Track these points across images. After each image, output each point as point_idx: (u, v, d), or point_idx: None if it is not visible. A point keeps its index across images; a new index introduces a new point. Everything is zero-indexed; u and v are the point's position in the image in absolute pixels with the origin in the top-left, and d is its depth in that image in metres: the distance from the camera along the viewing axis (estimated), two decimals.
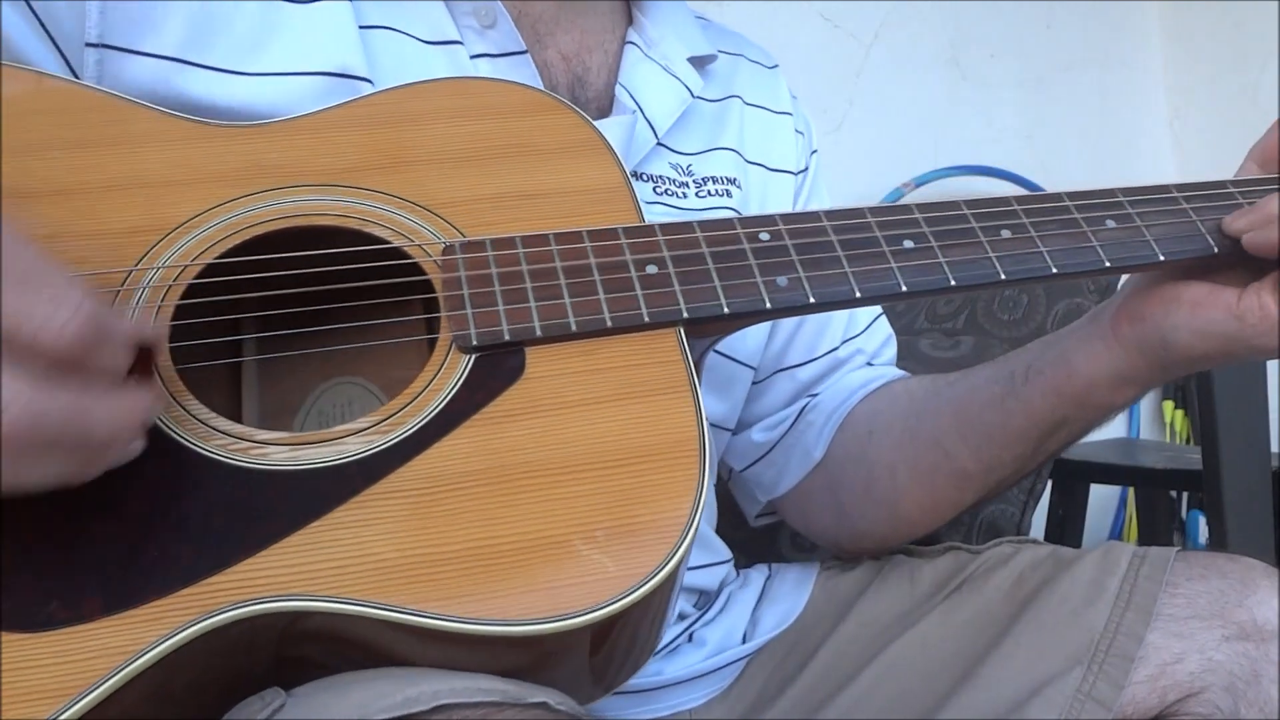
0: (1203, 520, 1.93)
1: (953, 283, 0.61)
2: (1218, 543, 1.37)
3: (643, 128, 0.77)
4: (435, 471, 0.51)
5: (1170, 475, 1.72)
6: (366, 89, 0.66)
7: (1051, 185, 2.06)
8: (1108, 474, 1.87)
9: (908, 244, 0.62)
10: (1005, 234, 0.63)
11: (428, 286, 0.58)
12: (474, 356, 0.55)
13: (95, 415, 0.44)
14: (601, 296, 0.57)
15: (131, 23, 0.64)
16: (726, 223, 0.61)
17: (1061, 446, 0.77)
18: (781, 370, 0.88)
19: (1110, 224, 0.64)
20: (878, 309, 0.93)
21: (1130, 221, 0.64)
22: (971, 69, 2.09)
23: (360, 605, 0.46)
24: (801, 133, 0.91)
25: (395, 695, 0.44)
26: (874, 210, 0.63)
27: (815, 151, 0.93)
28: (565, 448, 0.52)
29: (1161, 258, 0.64)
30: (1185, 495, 2.06)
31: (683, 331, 0.57)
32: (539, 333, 0.55)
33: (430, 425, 0.52)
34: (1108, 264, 0.63)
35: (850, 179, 1.88)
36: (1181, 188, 0.67)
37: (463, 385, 0.54)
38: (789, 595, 0.87)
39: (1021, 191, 2.05)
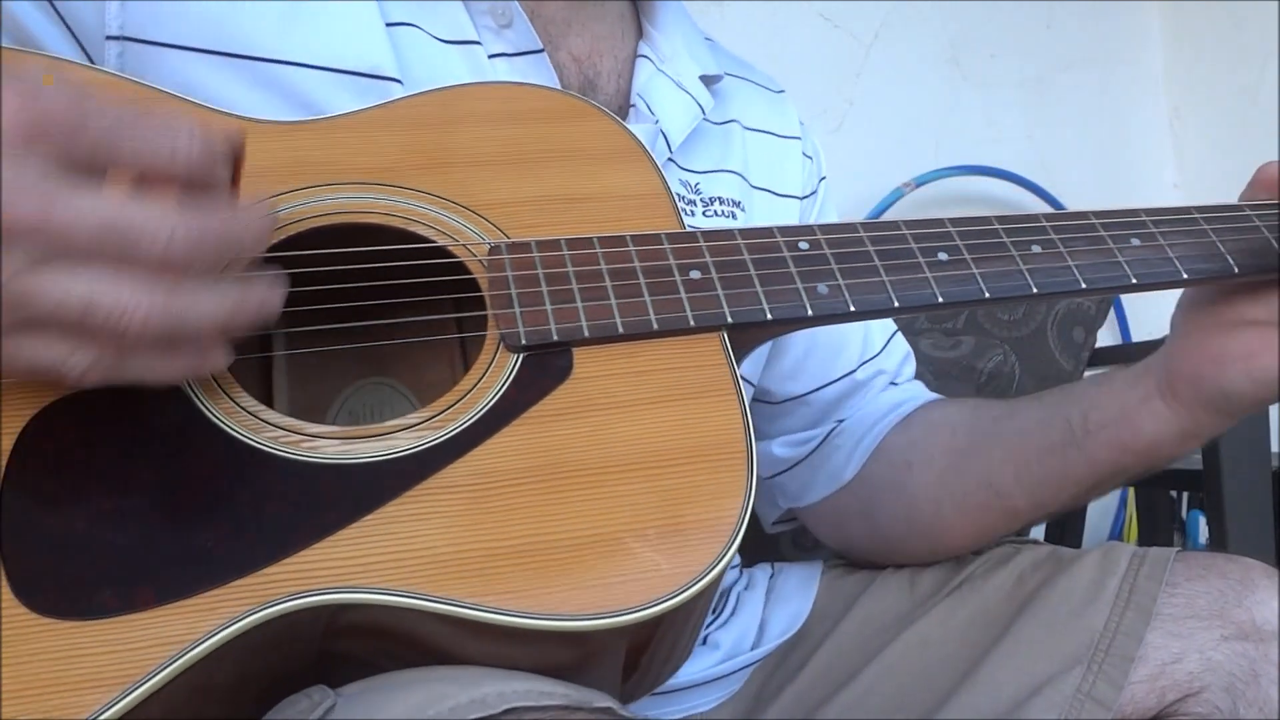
0: (1203, 520, 1.93)
1: (987, 295, 0.62)
2: (1218, 543, 1.37)
3: (660, 140, 0.77)
4: (488, 467, 0.51)
5: (1170, 475, 1.72)
6: (396, 89, 0.66)
7: (1051, 185, 2.06)
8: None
9: (942, 256, 0.63)
10: (1036, 249, 0.64)
11: (460, 288, 0.58)
12: (522, 355, 0.55)
13: (240, 222, 0.45)
14: (647, 299, 0.57)
15: (153, 14, 0.63)
16: (766, 231, 0.62)
17: (1115, 487, 0.78)
18: (795, 399, 0.89)
19: (1135, 242, 0.65)
20: (891, 327, 0.93)
21: (1154, 240, 0.66)
22: (971, 69, 2.09)
23: (418, 598, 0.47)
24: (810, 157, 0.92)
25: (460, 696, 0.43)
26: (909, 223, 0.64)
27: (824, 178, 0.93)
28: (615, 447, 0.53)
29: (1185, 275, 0.65)
30: (1185, 495, 2.06)
31: (726, 336, 0.58)
32: (586, 333, 0.56)
33: (481, 422, 0.53)
34: (1134, 280, 0.64)
35: (850, 179, 1.88)
36: (1200, 209, 0.68)
37: (512, 383, 0.54)
38: (795, 596, 0.87)
39: (1021, 191, 2.05)
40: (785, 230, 0.62)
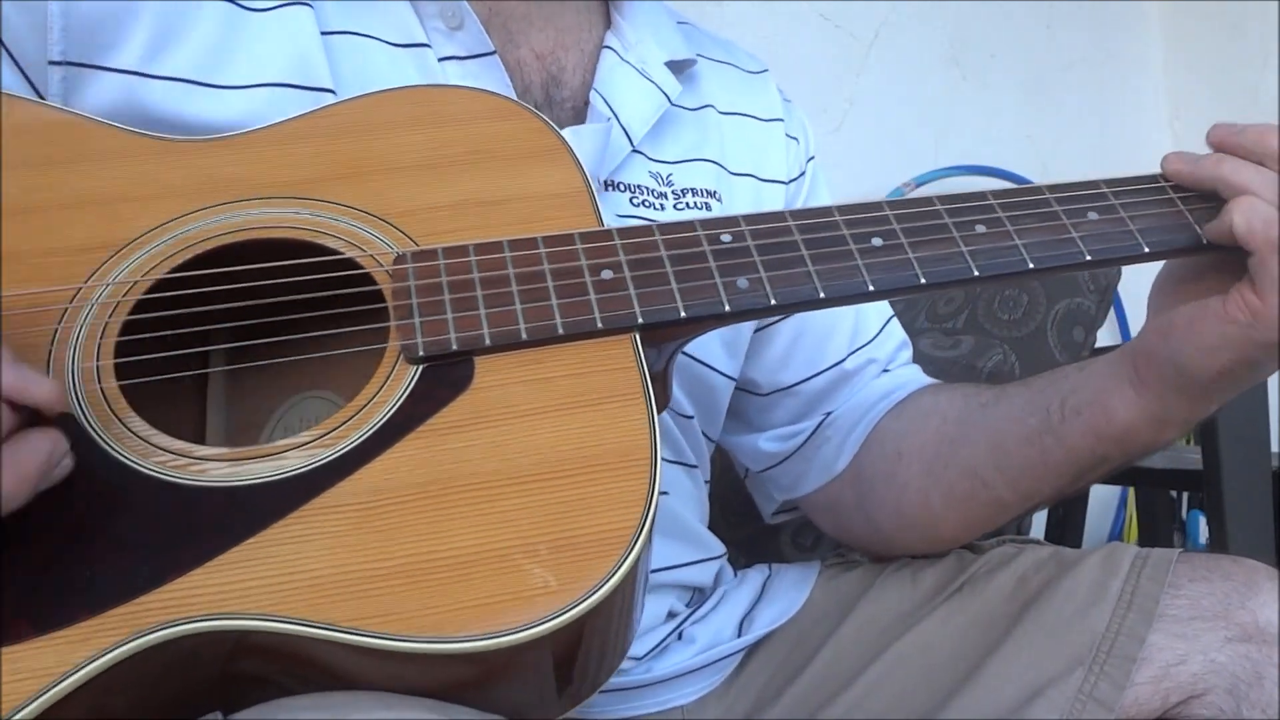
0: (1203, 520, 1.93)
1: (923, 280, 0.60)
2: (1218, 543, 1.36)
3: (618, 135, 0.76)
4: (377, 485, 0.50)
5: (1170, 475, 1.71)
6: (329, 99, 0.65)
7: None
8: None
9: (876, 241, 0.60)
10: (980, 229, 0.61)
11: (379, 298, 0.57)
12: (421, 367, 0.54)
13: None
14: (554, 303, 0.56)
15: (93, 38, 0.63)
16: (687, 225, 0.60)
17: (1104, 477, 0.76)
18: (782, 390, 0.88)
19: (1092, 215, 0.63)
20: (888, 312, 0.91)
21: (1114, 213, 0.63)
22: (971, 69, 2.09)
23: (293, 623, 0.45)
24: (795, 138, 0.90)
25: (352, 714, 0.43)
26: (842, 209, 0.62)
27: (813, 158, 0.91)
28: (511, 459, 0.51)
29: (1146, 249, 0.62)
30: (1185, 495, 2.06)
31: (638, 337, 0.56)
32: (488, 341, 0.54)
33: (374, 438, 0.51)
34: (1088, 257, 0.61)
35: (850, 179, 1.87)
36: (1167, 178, 0.65)
37: (408, 396, 0.53)
38: (788, 593, 0.87)
39: None
40: (707, 223, 0.61)
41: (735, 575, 0.91)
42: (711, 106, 0.84)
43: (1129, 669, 0.68)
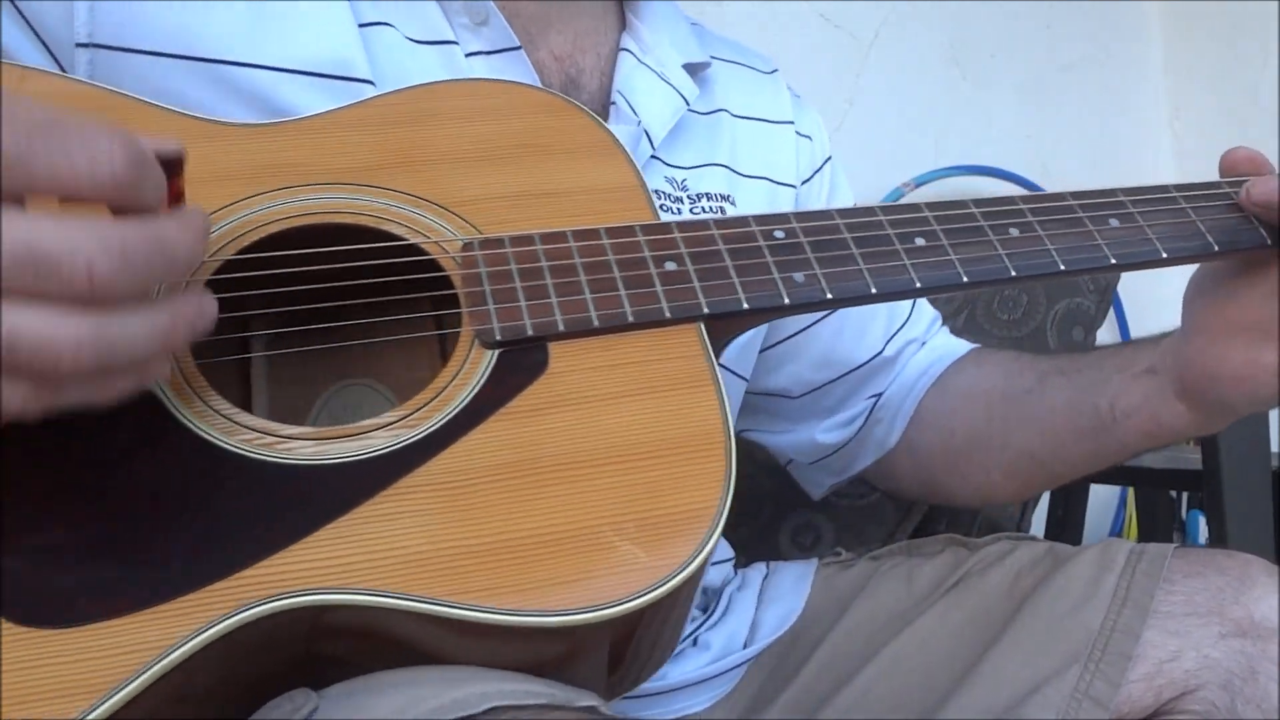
0: (1203, 520, 1.93)
1: (965, 279, 0.61)
2: (1218, 543, 1.37)
3: (643, 140, 0.76)
4: (464, 465, 0.51)
5: (1170, 475, 1.71)
6: (368, 90, 0.65)
7: (1051, 185, 2.05)
8: (1107, 473, 1.85)
9: (919, 241, 0.62)
10: (1013, 232, 0.63)
11: (437, 285, 0.58)
12: (497, 352, 0.55)
13: (171, 234, 0.42)
14: (622, 293, 0.57)
15: (120, 20, 0.63)
16: (741, 220, 0.62)
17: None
18: (818, 389, 0.90)
19: (1114, 223, 0.65)
20: None
21: (1133, 220, 0.65)
22: (971, 69, 2.09)
23: (396, 598, 0.46)
24: (808, 136, 0.90)
25: (441, 697, 0.43)
26: (884, 209, 0.64)
27: (830, 158, 0.92)
28: (592, 441, 0.52)
29: (1165, 255, 0.65)
30: (1185, 495, 2.06)
31: (703, 327, 0.58)
32: (561, 327, 0.55)
33: (457, 419, 0.52)
34: (1113, 261, 0.64)
35: (850, 179, 1.86)
36: (1180, 188, 0.68)
37: (488, 380, 0.54)
38: (788, 595, 0.87)
39: (1023, 191, 2.05)
40: (761, 219, 0.62)
41: (736, 574, 0.91)
42: (725, 111, 0.85)
43: (1125, 666, 0.68)
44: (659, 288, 0.58)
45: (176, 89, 0.62)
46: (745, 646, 0.84)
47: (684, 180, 0.79)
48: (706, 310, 0.58)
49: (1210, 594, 0.69)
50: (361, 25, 0.68)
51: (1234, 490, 1.41)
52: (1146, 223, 0.65)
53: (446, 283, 0.57)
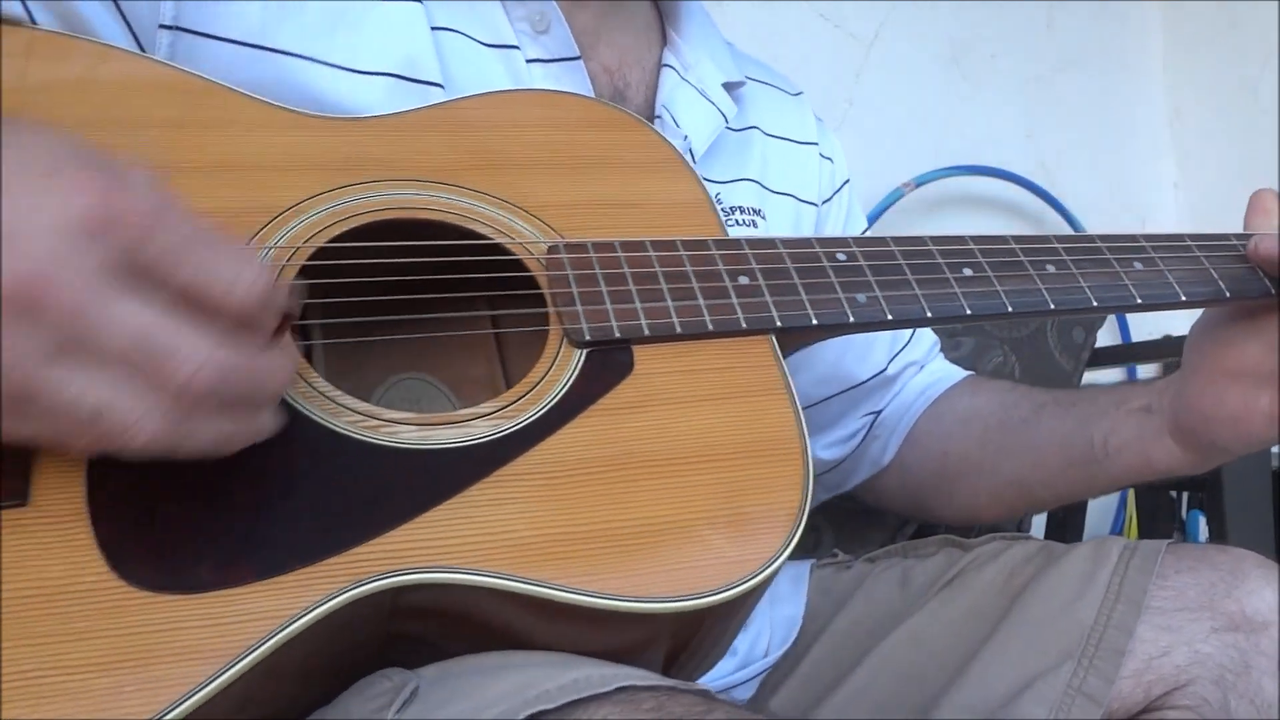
0: (1203, 520, 1.92)
1: (1010, 309, 0.65)
2: (1218, 542, 1.36)
3: (686, 151, 0.77)
4: (561, 456, 0.53)
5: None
6: (437, 93, 0.67)
7: (1051, 185, 2.06)
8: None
9: (967, 271, 0.66)
10: (1050, 269, 0.67)
11: (510, 285, 0.60)
12: (586, 351, 0.57)
13: (266, 371, 0.45)
14: (701, 302, 0.60)
15: (207, 7, 0.64)
16: (806, 241, 0.65)
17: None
18: (819, 402, 0.91)
19: (1138, 266, 0.69)
20: None
21: (1154, 265, 0.70)
22: (971, 69, 2.08)
23: (505, 579, 0.48)
24: (829, 159, 0.93)
25: (560, 678, 0.44)
26: (935, 239, 0.67)
27: (848, 181, 0.94)
28: (679, 440, 0.55)
29: (1183, 298, 0.69)
30: (1185, 495, 2.05)
31: (775, 339, 0.60)
32: (646, 331, 0.58)
33: (552, 412, 0.55)
34: (1139, 300, 0.68)
35: (851, 179, 1.87)
36: (1194, 237, 0.72)
37: (579, 376, 0.56)
38: (789, 598, 0.87)
39: (1021, 191, 2.05)
40: (824, 241, 0.65)
41: None
42: (757, 128, 0.87)
43: (1119, 662, 0.68)
44: (734, 299, 0.61)
45: (245, 79, 0.62)
46: (764, 655, 0.84)
47: (718, 194, 0.80)
48: (779, 323, 0.61)
49: (1202, 589, 0.69)
50: (434, 28, 0.69)
51: (1234, 490, 1.41)
52: (1166, 267, 0.69)
53: (511, 283, 0.59)
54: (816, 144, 0.92)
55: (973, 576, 0.79)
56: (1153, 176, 2.21)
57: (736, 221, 0.81)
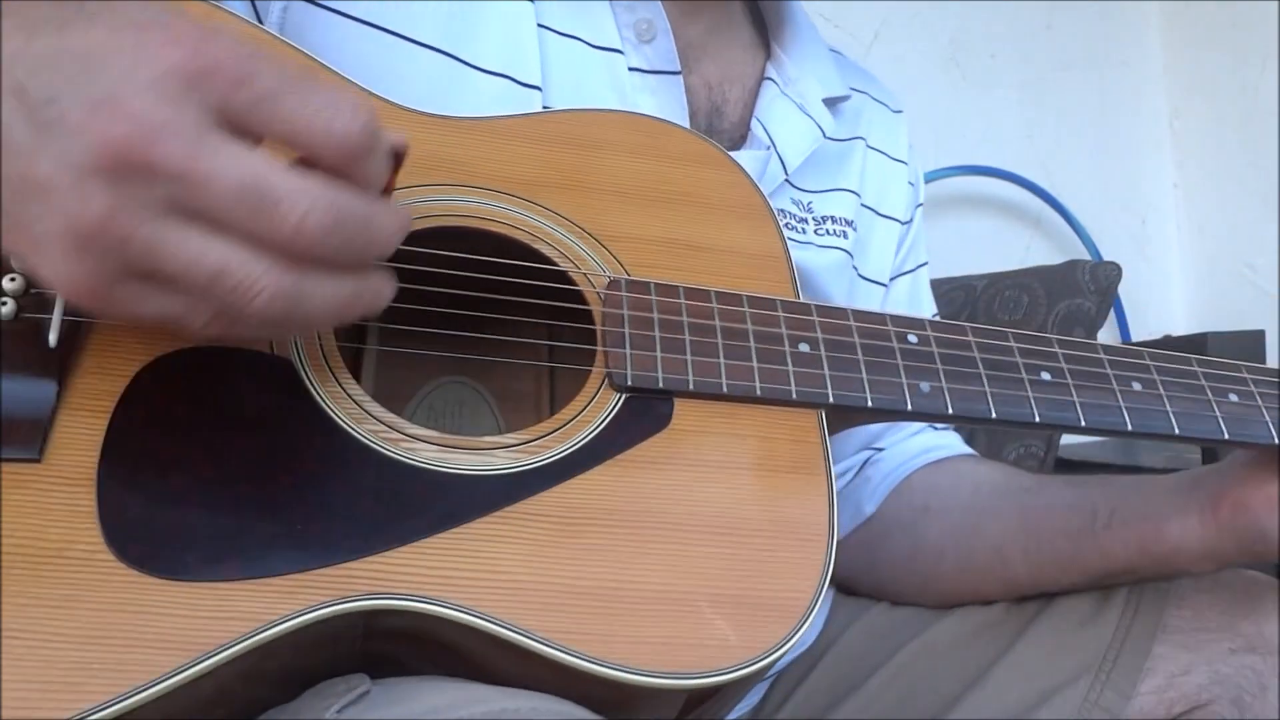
0: None
1: (1083, 424, 0.60)
2: None
3: (774, 164, 0.77)
4: (576, 502, 0.51)
5: None
6: (535, 96, 0.66)
7: (1051, 185, 2.06)
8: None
9: (1045, 375, 0.62)
10: (1136, 386, 0.63)
11: (570, 315, 0.58)
12: (624, 396, 0.55)
13: (376, 219, 0.43)
14: (755, 364, 0.57)
15: None
16: (879, 316, 0.62)
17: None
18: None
19: (1233, 398, 0.64)
20: None
21: (1252, 400, 0.65)
22: (971, 69, 2.08)
23: (490, 622, 0.47)
24: (913, 184, 0.92)
25: (494, 702, 0.44)
26: (1017, 335, 0.63)
27: (920, 205, 0.94)
28: (702, 506, 0.53)
29: (1277, 441, 0.63)
30: None
31: (823, 415, 0.58)
32: (691, 387, 0.56)
33: (576, 455, 0.53)
34: (1227, 436, 0.63)
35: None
36: (1249, 368, 0.67)
37: (612, 421, 0.55)
38: None
39: (1021, 191, 2.05)
40: (897, 320, 0.62)
41: None
42: (862, 139, 0.87)
43: (1136, 679, 0.68)
44: (790, 367, 0.58)
45: (353, 52, 0.62)
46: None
47: (810, 203, 0.80)
48: (831, 400, 0.58)
49: (1220, 610, 0.70)
50: (540, 26, 0.68)
51: None
52: (1264, 404, 0.65)
53: (573, 313, 0.58)
54: (907, 164, 0.92)
55: None
56: (1153, 176, 2.21)
57: (828, 230, 0.81)
